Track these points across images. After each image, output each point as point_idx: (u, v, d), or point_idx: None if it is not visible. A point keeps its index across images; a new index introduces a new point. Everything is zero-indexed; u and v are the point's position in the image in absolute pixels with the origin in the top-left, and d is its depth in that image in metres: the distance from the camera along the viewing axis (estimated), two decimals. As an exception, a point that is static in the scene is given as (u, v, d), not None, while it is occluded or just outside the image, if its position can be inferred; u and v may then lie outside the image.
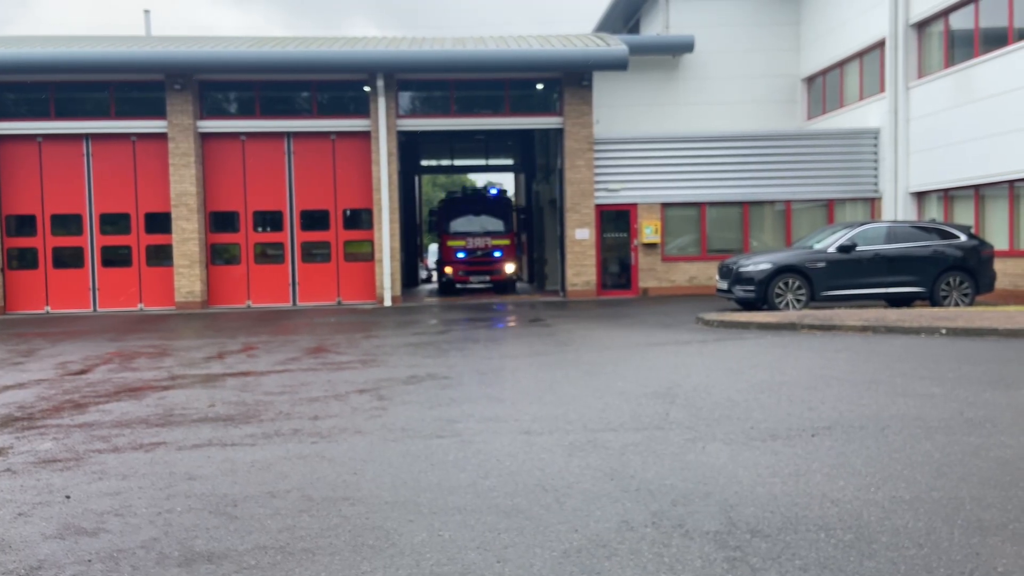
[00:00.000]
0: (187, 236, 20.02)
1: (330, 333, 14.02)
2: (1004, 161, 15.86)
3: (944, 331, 10.69)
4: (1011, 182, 16.02)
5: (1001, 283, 15.64)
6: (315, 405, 7.45)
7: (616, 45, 20.24)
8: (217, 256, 20.73)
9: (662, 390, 7.55)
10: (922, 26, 18.70)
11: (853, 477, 4.69)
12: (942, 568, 3.41)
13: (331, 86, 20.77)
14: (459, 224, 23.28)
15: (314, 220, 20.78)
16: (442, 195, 25.60)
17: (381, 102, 19.93)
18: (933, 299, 14.68)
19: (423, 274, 33.67)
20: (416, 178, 31.88)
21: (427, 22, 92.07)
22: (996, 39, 16.26)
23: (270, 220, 20.79)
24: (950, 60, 17.77)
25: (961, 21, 17.43)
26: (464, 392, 7.92)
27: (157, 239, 20.46)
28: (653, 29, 24.51)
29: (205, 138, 20.45)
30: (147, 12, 23.87)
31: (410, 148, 27.05)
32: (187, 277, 20.03)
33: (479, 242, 22.93)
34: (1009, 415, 6.01)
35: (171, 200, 20.04)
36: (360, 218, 20.92)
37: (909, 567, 3.43)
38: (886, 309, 14.17)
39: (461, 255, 22.98)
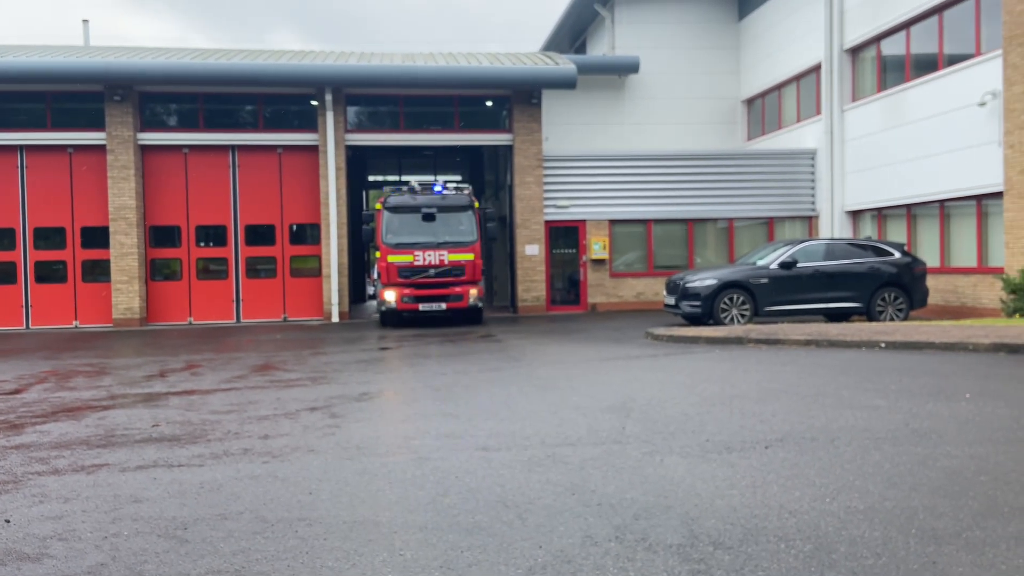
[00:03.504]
0: (126, 251, 19.42)
1: (277, 350, 13.74)
2: (934, 182, 16.53)
3: (883, 345, 11.02)
4: (941, 202, 16.69)
5: (933, 299, 16.24)
6: (265, 424, 7.27)
7: (565, 64, 20.50)
8: (157, 272, 20.17)
9: (617, 404, 7.59)
10: (856, 51, 19.43)
11: (808, 488, 4.78)
12: (900, 576, 3.49)
13: (278, 99, 20.50)
14: (404, 232, 17.29)
15: (260, 235, 20.40)
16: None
17: (329, 116, 19.75)
18: (870, 314, 15.15)
19: (371, 290, 33.34)
20: (364, 193, 31.66)
21: (356, 37, 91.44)
22: (926, 65, 16.99)
23: (213, 235, 20.33)
24: (883, 84, 18.49)
25: (893, 47, 18.18)
26: (418, 409, 7.83)
27: (94, 254, 19.81)
28: (599, 49, 24.91)
29: (146, 150, 19.93)
30: (86, 22, 23.22)
31: (358, 163, 26.83)
32: (125, 293, 19.41)
33: (432, 256, 17.12)
34: (953, 426, 6.21)
35: (109, 214, 19.44)
36: (307, 233, 20.63)
37: (868, 576, 3.50)
38: (826, 323, 14.56)
39: (407, 274, 17.06)
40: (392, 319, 17.80)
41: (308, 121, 20.34)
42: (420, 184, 18.11)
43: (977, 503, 4.40)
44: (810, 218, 21.29)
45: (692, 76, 23.53)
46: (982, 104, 14.87)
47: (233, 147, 20.21)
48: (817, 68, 20.36)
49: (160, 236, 20.19)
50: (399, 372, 10.52)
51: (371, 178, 31.99)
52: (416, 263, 17.14)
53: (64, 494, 5.12)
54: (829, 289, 15.10)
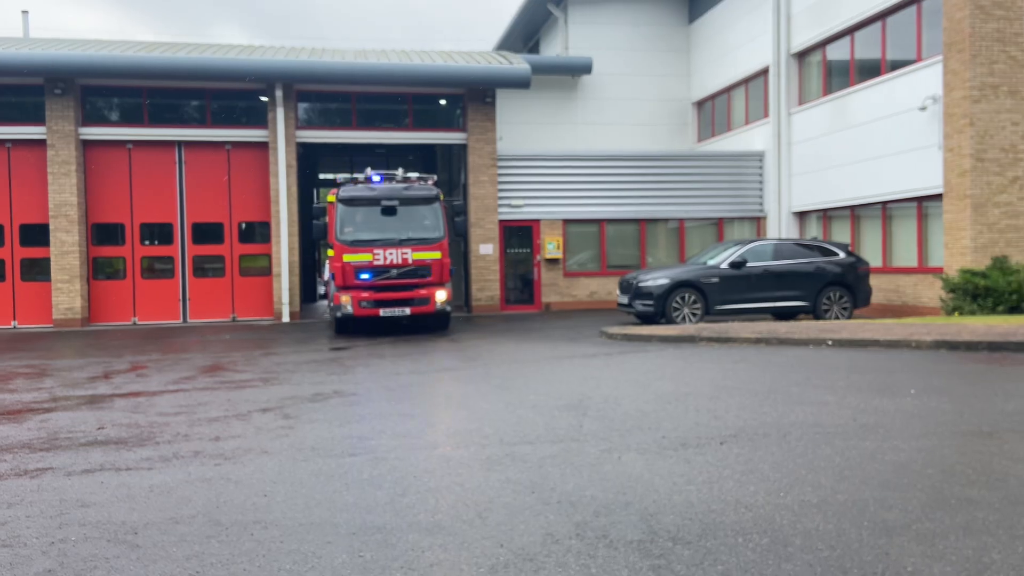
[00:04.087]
0: (66, 249, 18.81)
1: (226, 351, 13.46)
2: (877, 184, 17.00)
3: (830, 342, 11.29)
4: (883, 203, 17.18)
5: (876, 298, 16.71)
6: (215, 425, 7.11)
7: (519, 64, 20.52)
8: (99, 271, 19.56)
9: (574, 402, 7.63)
10: (802, 56, 19.88)
11: (763, 482, 4.86)
12: (855, 569, 3.56)
13: (226, 95, 20.05)
14: (362, 227, 15.22)
15: (207, 233, 19.94)
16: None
17: (280, 112, 19.42)
18: (816, 313, 15.51)
19: (321, 289, 32.91)
20: (315, 191, 31.26)
21: (303, 34, 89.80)
22: (870, 70, 17.47)
23: (159, 233, 19.80)
24: (828, 88, 18.95)
25: (838, 52, 18.64)
26: (374, 409, 7.75)
27: (33, 252, 19.12)
28: (552, 50, 25.01)
29: (88, 146, 19.32)
30: (25, 13, 22.41)
31: (309, 160, 26.45)
32: (66, 293, 18.80)
33: (394, 255, 15.09)
34: (899, 421, 6.39)
35: (50, 211, 18.79)
36: (257, 231, 20.24)
37: (824, 568, 3.57)
38: (775, 322, 14.86)
39: (365, 275, 14.95)
40: (348, 326, 15.77)
41: (257, 117, 19.96)
42: (378, 174, 16.00)
43: (925, 495, 4.53)
44: (758, 219, 21.70)
45: (644, 77, 23.80)
46: (923, 109, 15.35)
47: (179, 143, 19.72)
48: (765, 72, 20.77)
49: (103, 234, 19.59)
50: (353, 372, 10.40)
51: (322, 176, 31.61)
52: (376, 263, 14.98)
53: (7, 499, 4.93)
54: (777, 288, 15.42)
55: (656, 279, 15.33)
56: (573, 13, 23.50)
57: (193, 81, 19.34)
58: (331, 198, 15.68)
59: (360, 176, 16.00)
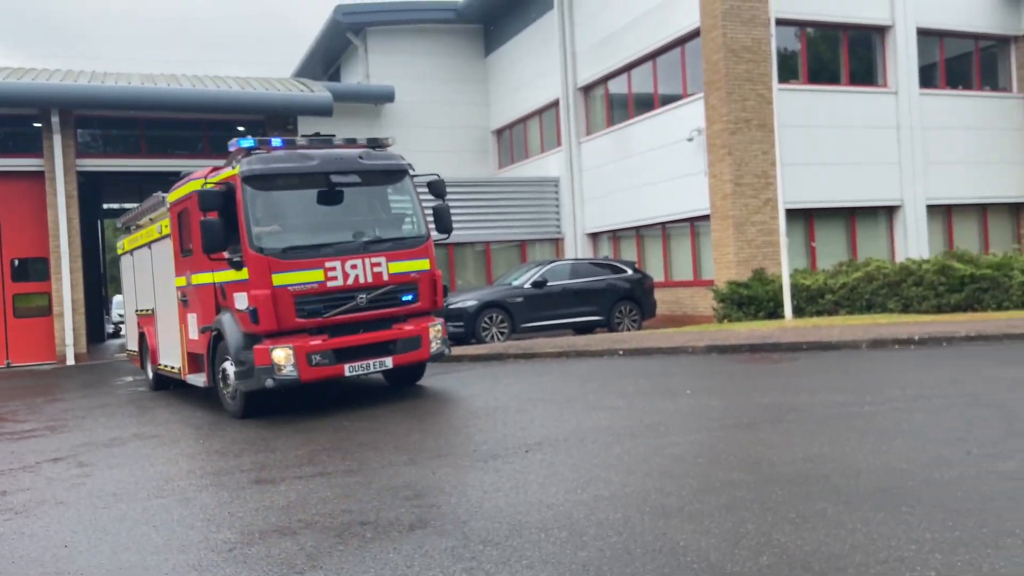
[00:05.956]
0: None
1: (2, 399, 12.25)
2: (656, 207, 18.73)
3: (621, 352, 12.32)
4: (663, 224, 18.94)
5: (661, 309, 18.33)
6: (-1, 481, 6.60)
7: (320, 91, 20.46)
8: None
9: (388, 426, 7.84)
10: (587, 90, 21.48)
11: (562, 483, 5.37)
12: (638, 549, 4.11)
13: (-9, 120, 18.28)
14: (297, 224, 9.05)
15: (-29, 272, 17.99)
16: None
17: (57, 140, 17.98)
18: (610, 325, 16.76)
19: (109, 328, 30.40)
20: (99, 223, 28.98)
21: (75, 54, 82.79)
22: (645, 104, 19.25)
23: (-90, 273, 17.60)
24: (611, 120, 20.62)
25: (618, 87, 20.36)
26: (181, 449, 7.52)
27: None
28: (354, 77, 25.12)
29: None
30: None
31: (91, 190, 24.51)
32: None
33: (359, 268, 8.97)
34: (677, 419, 7.23)
35: None
36: (33, 268, 18.52)
37: (613, 552, 4.09)
38: (574, 336, 15.90)
39: (316, 307, 8.74)
40: (269, 395, 8.95)
41: (31, 145, 18.34)
42: (303, 136, 9.86)
43: (696, 482, 5.23)
44: (557, 240, 23.01)
45: (445, 106, 24.53)
46: (690, 139, 17.17)
47: (-66, 173, 17.70)
48: (556, 104, 22.18)
49: None
50: (153, 413, 9.91)
51: (107, 206, 29.44)
52: (332, 284, 8.76)
53: None
54: (575, 304, 16.50)
55: (465, 301, 15.87)
56: (372, 43, 23.79)
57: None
58: (201, 184, 9.20)
59: (274, 140, 9.32)
